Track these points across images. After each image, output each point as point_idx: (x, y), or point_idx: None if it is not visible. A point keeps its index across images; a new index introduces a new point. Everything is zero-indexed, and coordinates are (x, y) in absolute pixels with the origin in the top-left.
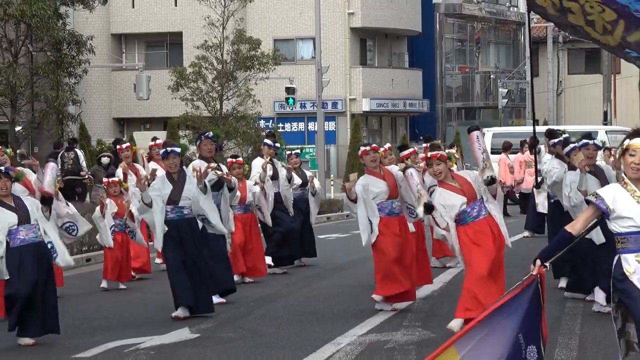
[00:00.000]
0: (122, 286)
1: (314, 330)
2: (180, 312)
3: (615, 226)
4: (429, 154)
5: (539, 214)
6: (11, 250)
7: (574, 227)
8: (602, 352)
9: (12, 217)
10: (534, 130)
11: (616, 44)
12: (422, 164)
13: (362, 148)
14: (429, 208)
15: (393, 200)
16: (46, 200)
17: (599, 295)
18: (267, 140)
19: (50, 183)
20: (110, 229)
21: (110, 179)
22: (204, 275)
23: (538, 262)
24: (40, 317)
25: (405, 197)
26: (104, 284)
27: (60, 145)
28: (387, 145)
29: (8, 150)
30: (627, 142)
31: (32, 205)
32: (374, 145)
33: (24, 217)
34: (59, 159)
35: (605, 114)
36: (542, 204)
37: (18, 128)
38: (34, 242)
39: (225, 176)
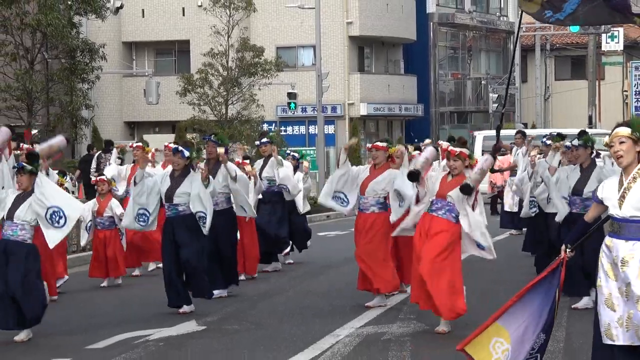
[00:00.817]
0: (117, 281)
1: (314, 323)
2: (187, 308)
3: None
4: (449, 148)
5: (507, 212)
6: None
7: (587, 216)
8: (587, 343)
9: (5, 209)
10: (498, 132)
11: (536, 10)
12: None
13: (368, 145)
14: (413, 175)
15: (361, 197)
16: (32, 157)
17: (584, 301)
18: (257, 142)
19: (45, 149)
20: (88, 224)
21: (99, 177)
22: (197, 267)
23: (563, 247)
24: (9, 311)
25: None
26: (104, 283)
27: (93, 148)
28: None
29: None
30: (607, 138)
31: (30, 206)
32: (375, 143)
33: (9, 213)
34: (95, 159)
35: (590, 117)
36: (508, 204)
37: (34, 131)
38: (8, 239)
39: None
